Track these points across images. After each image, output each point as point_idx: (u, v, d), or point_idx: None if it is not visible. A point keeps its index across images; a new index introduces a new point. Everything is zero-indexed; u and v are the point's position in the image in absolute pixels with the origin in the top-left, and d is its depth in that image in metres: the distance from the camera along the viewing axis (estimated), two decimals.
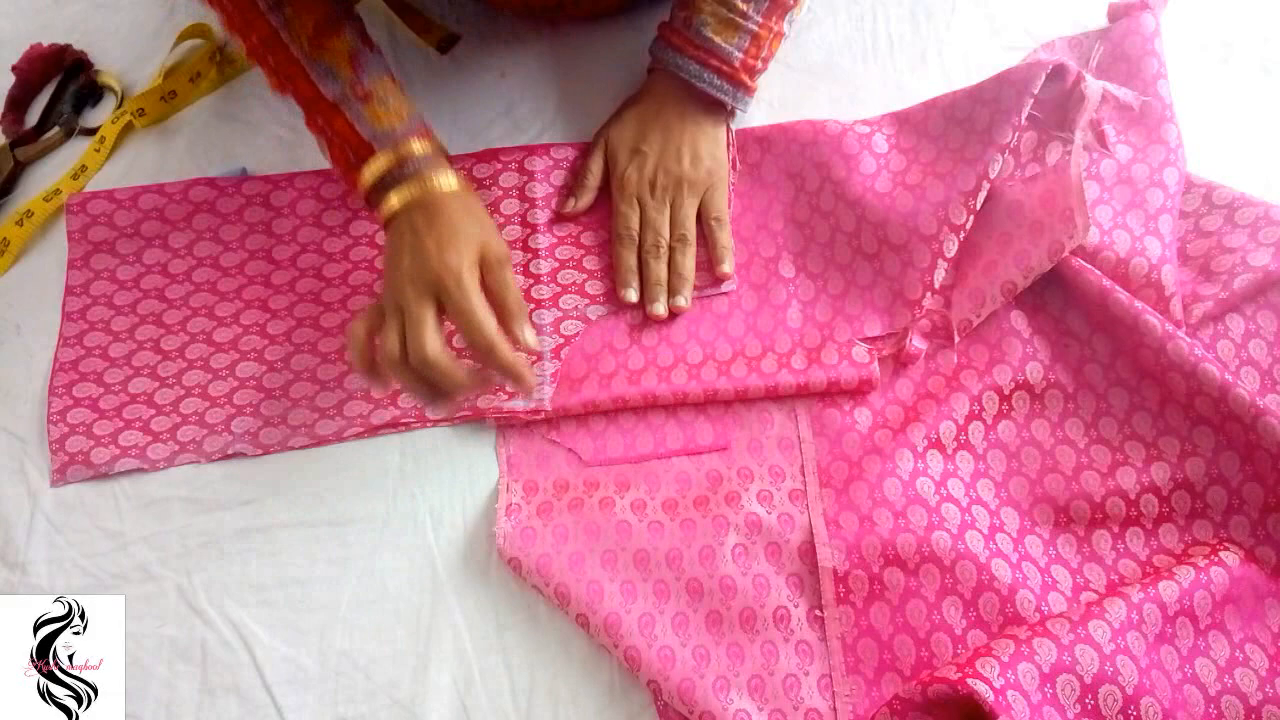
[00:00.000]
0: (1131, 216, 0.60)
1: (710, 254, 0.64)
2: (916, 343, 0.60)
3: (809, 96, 0.70)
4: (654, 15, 0.73)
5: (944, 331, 0.61)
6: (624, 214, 0.63)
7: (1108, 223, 0.60)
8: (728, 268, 0.63)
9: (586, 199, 0.65)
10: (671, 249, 0.63)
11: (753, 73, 0.63)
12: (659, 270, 0.62)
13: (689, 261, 0.63)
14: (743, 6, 0.61)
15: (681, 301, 0.62)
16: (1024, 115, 0.60)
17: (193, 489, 0.60)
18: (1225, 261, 0.60)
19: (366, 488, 0.60)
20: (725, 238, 0.64)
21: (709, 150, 0.64)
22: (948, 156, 0.62)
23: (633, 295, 0.62)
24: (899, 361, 0.60)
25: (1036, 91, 0.60)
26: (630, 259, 0.63)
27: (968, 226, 0.60)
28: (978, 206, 0.60)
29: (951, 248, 0.60)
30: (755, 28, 0.61)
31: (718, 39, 0.61)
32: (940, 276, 0.60)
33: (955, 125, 0.63)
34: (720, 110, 0.65)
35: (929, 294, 0.60)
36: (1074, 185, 0.58)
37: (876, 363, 0.60)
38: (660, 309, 0.62)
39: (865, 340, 0.61)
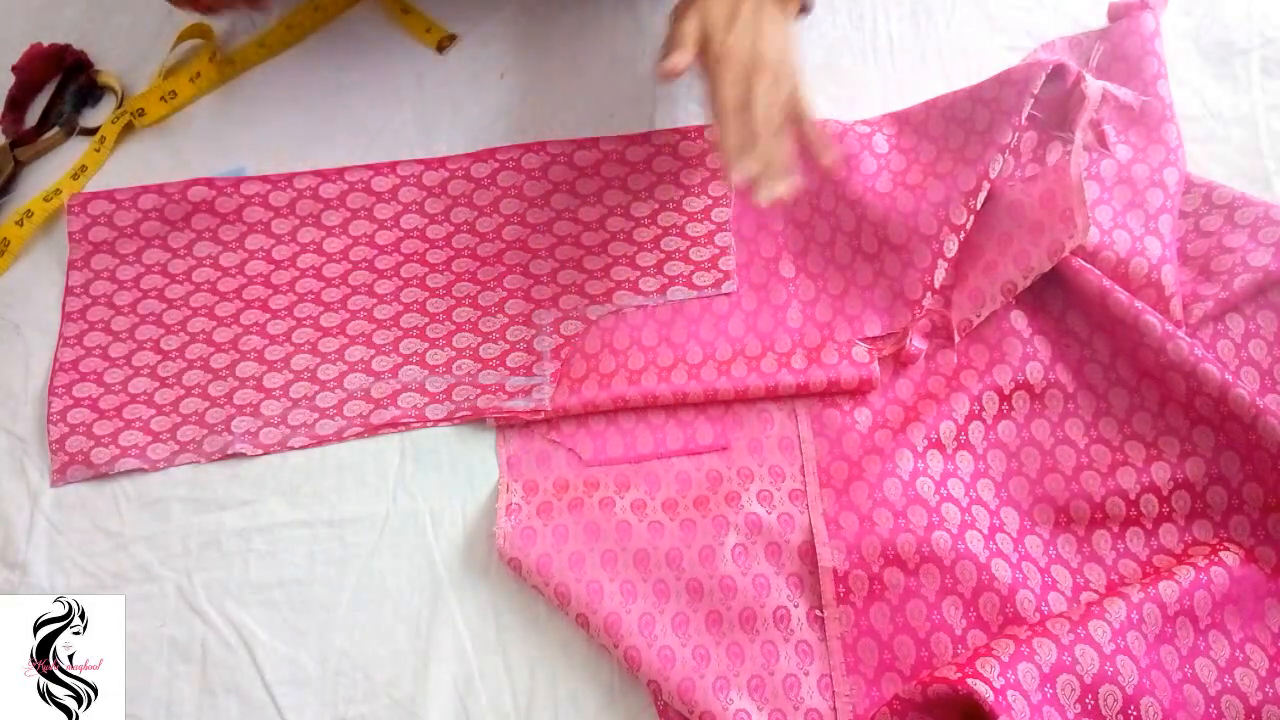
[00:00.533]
0: (1131, 216, 0.60)
1: (810, 150, 0.59)
2: (916, 343, 0.60)
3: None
4: (655, 12, 0.73)
5: (944, 331, 0.61)
6: (730, 90, 0.56)
7: (1108, 223, 0.60)
8: (828, 158, 0.59)
9: (685, 58, 0.57)
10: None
11: None
12: (763, 153, 0.56)
13: (784, 152, 0.57)
14: None
15: (783, 189, 0.56)
16: (1024, 115, 0.60)
17: (193, 489, 0.61)
18: (1225, 261, 0.60)
19: (366, 488, 0.60)
20: (817, 133, 0.59)
21: (791, 48, 0.59)
22: (948, 157, 0.62)
23: (750, 170, 0.55)
24: (899, 361, 0.60)
25: (1036, 91, 0.60)
26: (737, 136, 0.55)
27: (968, 226, 0.60)
28: (978, 206, 0.60)
29: (952, 248, 0.60)
30: None
31: None
32: (940, 276, 0.60)
33: (955, 125, 0.63)
34: (788, 7, 0.60)
35: (929, 294, 0.60)
36: (1074, 185, 0.58)
37: (876, 362, 0.60)
38: (767, 194, 0.55)
39: (865, 340, 0.61)
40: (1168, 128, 0.62)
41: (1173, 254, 0.60)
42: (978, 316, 0.59)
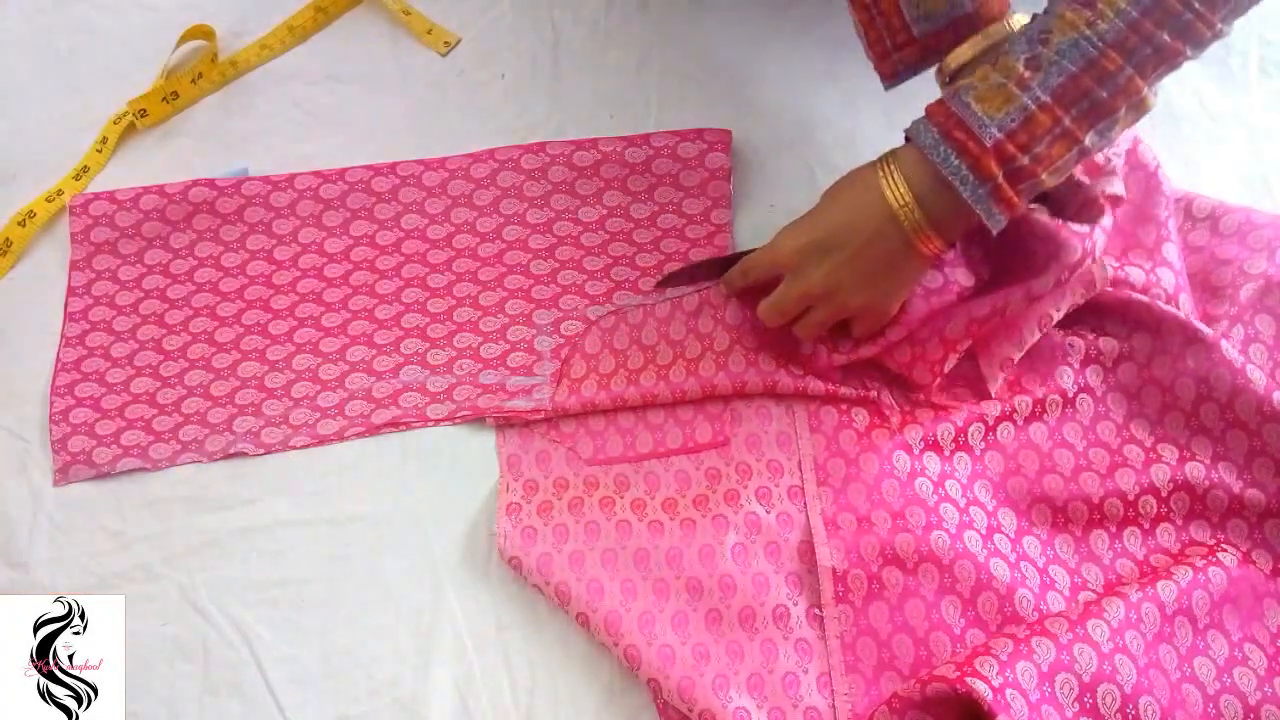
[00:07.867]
0: (1134, 255, 0.59)
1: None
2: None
3: (809, 99, 0.70)
4: (656, 16, 0.73)
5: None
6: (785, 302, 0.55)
7: (1116, 261, 0.59)
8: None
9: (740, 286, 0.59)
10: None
11: (1011, 165, 0.46)
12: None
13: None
14: (1022, 71, 0.46)
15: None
16: None
17: (194, 488, 0.61)
18: (1225, 274, 0.59)
19: (368, 487, 0.60)
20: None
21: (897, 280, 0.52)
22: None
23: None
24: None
25: None
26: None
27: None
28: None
29: (965, 345, 0.57)
30: (1032, 105, 0.46)
31: (976, 106, 0.47)
32: (950, 365, 0.58)
33: None
34: (961, 219, 0.49)
35: (937, 380, 0.58)
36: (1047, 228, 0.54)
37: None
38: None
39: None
40: (1142, 150, 0.60)
41: (1184, 280, 0.59)
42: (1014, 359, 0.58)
